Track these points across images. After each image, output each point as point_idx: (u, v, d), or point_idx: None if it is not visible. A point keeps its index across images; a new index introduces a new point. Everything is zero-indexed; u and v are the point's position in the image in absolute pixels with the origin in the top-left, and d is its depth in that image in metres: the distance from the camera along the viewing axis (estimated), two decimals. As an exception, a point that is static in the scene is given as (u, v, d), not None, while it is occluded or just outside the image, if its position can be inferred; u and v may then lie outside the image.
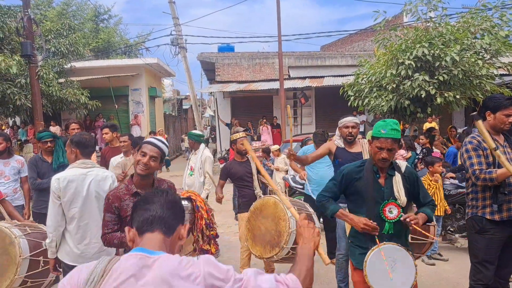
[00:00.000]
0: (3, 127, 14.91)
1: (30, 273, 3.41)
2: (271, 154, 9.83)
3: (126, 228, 1.47)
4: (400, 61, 8.78)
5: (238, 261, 4.83)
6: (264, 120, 16.01)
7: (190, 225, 2.93)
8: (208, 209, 3.03)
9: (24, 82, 10.75)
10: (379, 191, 2.79)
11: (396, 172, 2.84)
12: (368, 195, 2.78)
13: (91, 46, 22.03)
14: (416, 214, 2.89)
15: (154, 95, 18.21)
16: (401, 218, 2.74)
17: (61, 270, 3.32)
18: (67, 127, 6.52)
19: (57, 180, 3.12)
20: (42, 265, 3.43)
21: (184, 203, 2.84)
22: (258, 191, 4.64)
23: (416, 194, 2.93)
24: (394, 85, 8.94)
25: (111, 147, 6.16)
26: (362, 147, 4.23)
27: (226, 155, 14.68)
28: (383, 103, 9.17)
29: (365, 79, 10.00)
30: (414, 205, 3.07)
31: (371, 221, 2.72)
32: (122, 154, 5.56)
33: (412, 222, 2.72)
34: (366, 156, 4.08)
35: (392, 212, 2.76)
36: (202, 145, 5.87)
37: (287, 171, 9.31)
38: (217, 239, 3.16)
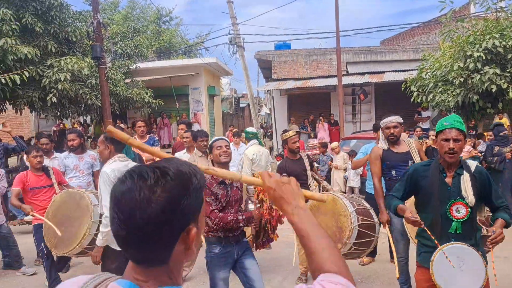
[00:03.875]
0: (75, 125, 15.98)
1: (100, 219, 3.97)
2: (330, 152, 9.71)
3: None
4: (468, 53, 8.30)
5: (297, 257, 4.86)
6: (321, 118, 15.83)
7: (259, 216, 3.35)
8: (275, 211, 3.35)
9: (94, 82, 11.44)
10: (446, 190, 2.72)
11: (464, 171, 2.73)
12: (433, 194, 2.71)
13: (154, 47, 22.98)
14: (493, 219, 2.77)
15: (213, 93, 18.64)
16: (488, 240, 2.63)
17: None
18: (133, 125, 6.86)
19: (113, 171, 3.47)
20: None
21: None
22: (313, 188, 4.64)
23: (488, 195, 2.78)
24: (462, 79, 8.46)
25: (181, 142, 6.40)
26: (409, 145, 4.13)
27: (282, 152, 14.71)
28: (450, 99, 8.72)
29: (429, 73, 9.58)
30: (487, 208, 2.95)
31: (417, 216, 2.75)
32: (185, 150, 5.77)
33: (493, 242, 2.62)
34: (414, 154, 4.01)
35: (459, 212, 2.68)
36: (251, 142, 5.97)
37: (345, 169, 9.15)
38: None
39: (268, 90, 20.66)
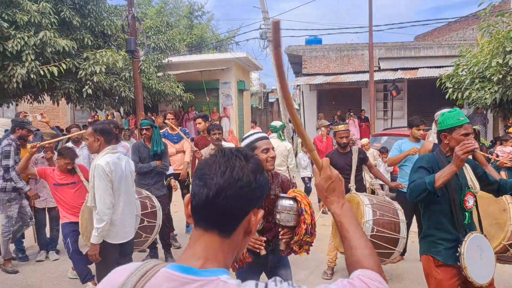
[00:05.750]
0: (109, 117, 16.39)
1: (144, 212, 4.26)
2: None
3: (186, 197, 1.05)
4: (508, 49, 8.00)
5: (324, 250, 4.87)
6: (351, 113, 15.63)
7: (295, 225, 2.66)
8: (313, 212, 2.72)
9: (128, 75, 11.69)
10: (458, 181, 2.74)
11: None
12: (452, 187, 2.70)
13: (186, 42, 23.25)
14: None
15: (243, 88, 18.70)
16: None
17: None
18: (165, 117, 7.01)
19: (107, 164, 3.40)
20: (149, 206, 4.33)
21: (289, 202, 2.64)
22: (351, 185, 4.59)
23: (483, 175, 2.86)
24: (500, 76, 8.17)
25: (203, 136, 6.50)
26: None
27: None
28: (487, 96, 8.44)
29: (466, 69, 9.29)
30: None
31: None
32: (211, 145, 5.86)
33: None
34: None
35: (469, 202, 2.72)
36: (270, 135, 6.21)
37: (375, 165, 9.01)
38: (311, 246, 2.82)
39: (297, 85, 20.56)
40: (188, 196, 1.05)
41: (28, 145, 4.62)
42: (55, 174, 4.66)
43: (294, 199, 2.67)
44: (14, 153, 5.27)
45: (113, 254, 3.54)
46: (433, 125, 4.25)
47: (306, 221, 2.63)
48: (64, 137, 6.26)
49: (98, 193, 3.37)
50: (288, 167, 6.09)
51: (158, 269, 0.96)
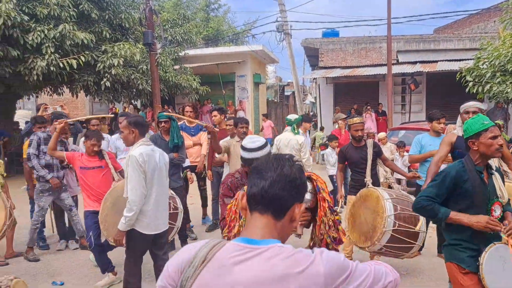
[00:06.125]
0: (126, 109, 16.58)
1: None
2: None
3: (241, 193, 1.31)
4: (531, 42, 7.81)
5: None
6: (369, 107, 15.46)
7: (312, 206, 2.49)
8: (330, 193, 2.54)
9: (145, 68, 11.80)
10: (486, 191, 2.66)
11: (493, 170, 2.75)
12: (478, 197, 2.64)
13: (202, 35, 23.26)
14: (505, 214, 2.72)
15: (259, 81, 18.66)
16: (504, 232, 2.62)
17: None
18: (183, 110, 7.05)
19: (141, 155, 3.42)
20: (172, 207, 4.30)
21: None
22: (368, 179, 4.55)
23: None
24: (523, 70, 7.99)
25: (219, 129, 6.53)
26: None
27: (327, 142, 14.50)
28: (508, 90, 8.26)
29: (487, 63, 9.09)
30: None
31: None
32: (229, 137, 5.88)
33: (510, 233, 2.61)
34: None
35: (496, 211, 2.65)
36: (286, 129, 6.40)
37: (392, 160, 8.93)
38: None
39: (314, 79, 20.44)
40: (243, 192, 1.30)
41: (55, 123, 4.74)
42: (83, 158, 4.69)
43: (308, 178, 2.41)
44: (41, 143, 5.36)
45: (143, 244, 3.58)
46: (459, 118, 4.17)
47: (326, 198, 2.43)
48: (82, 117, 6.41)
49: (131, 184, 3.42)
50: (301, 161, 6.07)
51: (225, 243, 1.21)
